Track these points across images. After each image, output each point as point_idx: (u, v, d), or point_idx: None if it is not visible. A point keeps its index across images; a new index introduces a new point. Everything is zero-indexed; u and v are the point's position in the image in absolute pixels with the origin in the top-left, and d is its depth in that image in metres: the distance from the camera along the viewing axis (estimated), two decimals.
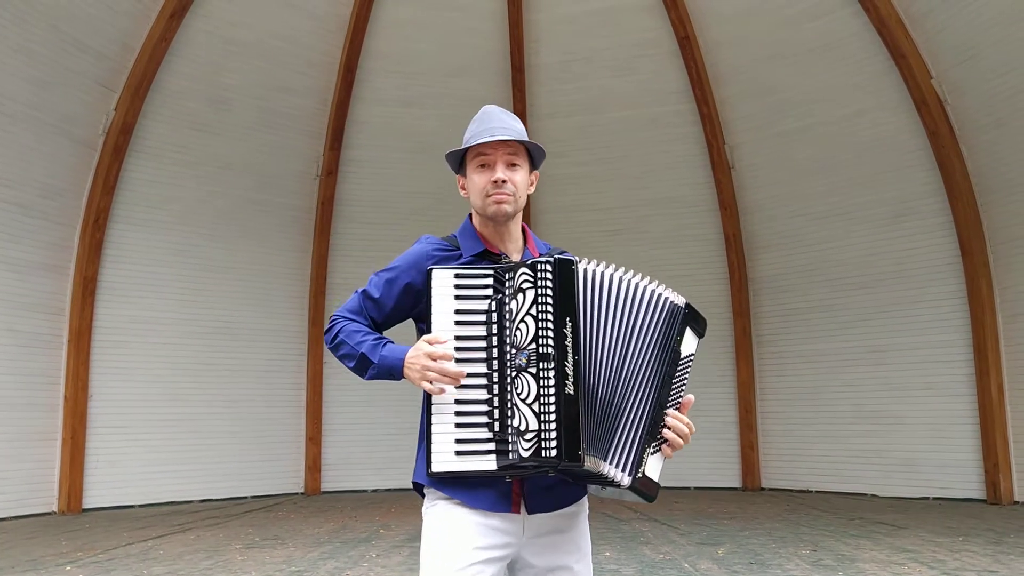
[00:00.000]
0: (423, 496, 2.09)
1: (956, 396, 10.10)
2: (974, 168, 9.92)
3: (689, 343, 1.99)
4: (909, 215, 10.61)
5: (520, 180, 2.15)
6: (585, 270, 1.94)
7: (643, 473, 1.90)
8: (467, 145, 2.16)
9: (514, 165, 2.14)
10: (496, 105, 2.25)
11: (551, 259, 1.89)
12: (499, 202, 2.11)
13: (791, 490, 11.26)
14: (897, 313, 10.67)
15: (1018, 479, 9.51)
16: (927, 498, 10.11)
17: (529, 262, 1.90)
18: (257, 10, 11.05)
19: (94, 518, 9.56)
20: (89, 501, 10.16)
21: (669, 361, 1.96)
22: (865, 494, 10.63)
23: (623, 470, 1.89)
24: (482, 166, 2.14)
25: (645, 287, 1.98)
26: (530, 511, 2.00)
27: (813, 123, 11.21)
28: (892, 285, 10.73)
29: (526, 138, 2.17)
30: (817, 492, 11.04)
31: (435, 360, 1.89)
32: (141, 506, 10.47)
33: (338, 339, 2.12)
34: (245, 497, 11.38)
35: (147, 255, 10.94)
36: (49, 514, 9.86)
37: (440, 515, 2.00)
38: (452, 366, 1.89)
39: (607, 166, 12.27)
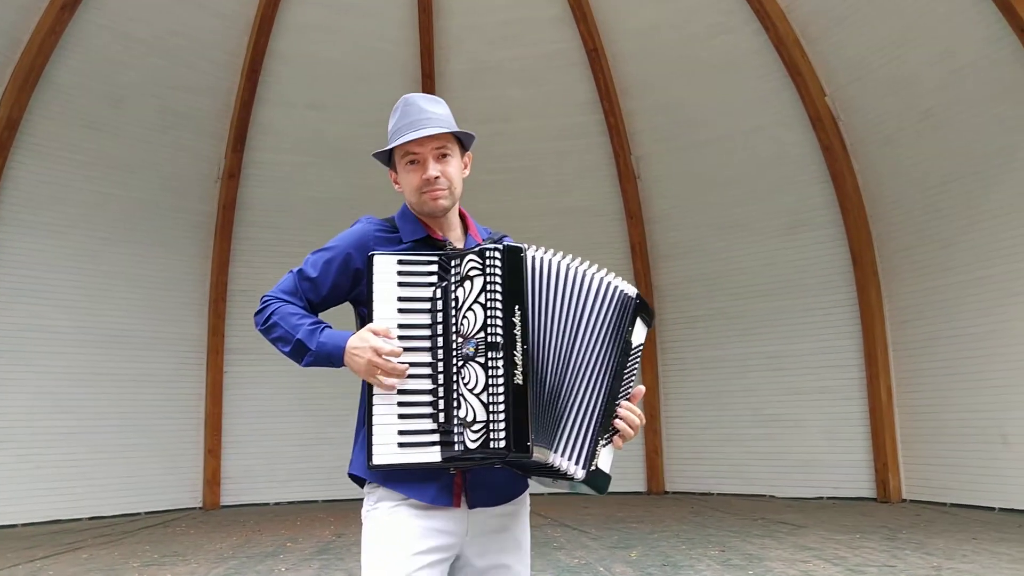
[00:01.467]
0: (361, 488, 2.02)
1: (848, 399, 10.58)
2: (864, 182, 10.44)
3: (639, 333, 1.99)
4: (804, 226, 11.08)
5: (453, 171, 2.09)
6: (534, 257, 1.91)
7: (596, 465, 1.89)
8: (392, 145, 2.09)
9: (445, 156, 2.08)
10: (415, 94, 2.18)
11: (500, 247, 1.85)
12: (435, 198, 2.05)
13: (694, 493, 11.54)
14: (793, 320, 11.11)
15: (906, 478, 10.02)
16: (822, 497, 10.53)
17: (477, 248, 1.85)
18: (156, 5, 10.60)
19: None
20: None
21: (620, 351, 1.95)
22: (764, 495, 10.99)
23: (576, 463, 1.87)
24: (412, 163, 2.07)
25: (595, 276, 1.96)
26: (472, 505, 1.95)
27: (715, 136, 11.57)
28: (788, 293, 11.17)
29: (453, 126, 2.10)
30: (719, 494, 11.35)
31: (381, 356, 1.82)
32: (24, 525, 9.83)
33: (271, 321, 2.00)
34: (139, 513, 10.84)
35: (35, 259, 10.30)
36: None
37: (380, 520, 1.93)
38: (398, 360, 1.83)
39: (518, 175, 12.32)
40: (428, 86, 11.97)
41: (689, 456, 11.89)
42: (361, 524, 2.00)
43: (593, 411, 1.91)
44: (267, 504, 11.73)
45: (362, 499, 2.02)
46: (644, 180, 12.30)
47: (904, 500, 9.98)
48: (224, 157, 11.83)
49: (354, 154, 11.33)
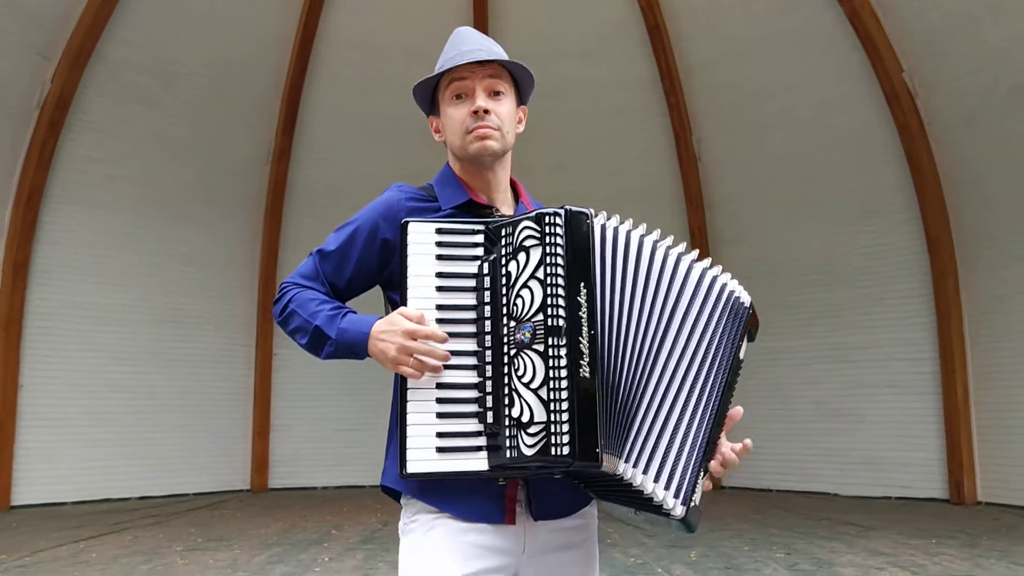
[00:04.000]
0: (398, 501, 1.70)
1: (920, 395, 9.99)
2: (943, 164, 9.81)
3: (744, 349, 1.65)
4: (876, 211, 10.48)
5: (506, 112, 1.74)
6: (604, 226, 1.58)
7: (696, 501, 1.54)
8: (439, 71, 1.75)
9: (497, 93, 1.74)
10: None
11: (561, 210, 1.51)
12: (482, 137, 1.70)
13: (752, 488, 11.07)
14: (862, 310, 10.54)
15: (982, 479, 9.43)
16: (889, 497, 9.99)
17: (533, 214, 1.50)
18: None
19: (22, 516, 8.92)
20: (18, 498, 9.49)
21: (730, 367, 1.61)
22: (827, 493, 10.49)
23: (676, 496, 1.52)
24: (458, 96, 1.73)
25: (695, 264, 1.64)
26: (536, 517, 1.61)
27: (782, 117, 11.01)
28: (857, 282, 10.59)
29: (508, 59, 1.77)
30: (778, 491, 10.88)
31: (415, 339, 1.48)
32: (74, 503, 9.83)
33: (288, 309, 1.69)
34: (187, 494, 10.79)
35: (85, 237, 10.28)
36: None
37: (420, 536, 1.60)
38: (439, 346, 1.49)
39: (571, 157, 11.92)
40: None
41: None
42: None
43: (697, 435, 1.56)
44: (314, 488, 11.61)
45: None
46: (705, 163, 11.81)
47: (979, 502, 9.39)
48: (274, 137, 11.66)
49: (405, 134, 11.08)
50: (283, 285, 1.75)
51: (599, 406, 1.45)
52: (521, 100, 1.84)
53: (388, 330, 1.52)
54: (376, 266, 1.73)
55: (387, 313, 1.66)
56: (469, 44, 1.74)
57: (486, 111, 1.70)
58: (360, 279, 1.74)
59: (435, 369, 1.48)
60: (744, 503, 9.81)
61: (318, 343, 1.64)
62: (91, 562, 6.26)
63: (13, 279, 9.52)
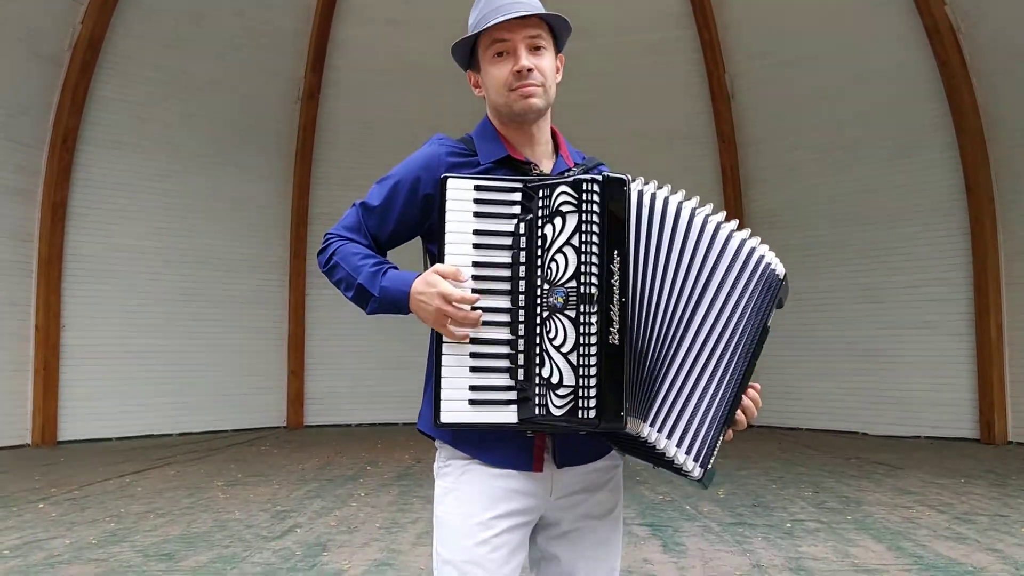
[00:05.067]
0: (433, 440, 1.76)
1: (954, 335, 9.93)
2: (984, 101, 9.56)
3: (771, 316, 1.66)
4: (913, 149, 10.27)
5: (548, 66, 1.74)
6: (641, 192, 1.57)
7: (711, 464, 1.58)
8: (478, 30, 1.73)
9: (538, 48, 1.73)
10: None
11: (599, 177, 1.51)
12: (527, 96, 1.70)
13: (780, 427, 11.14)
14: (897, 251, 10.41)
15: (1013, 419, 9.41)
16: (919, 437, 10.01)
17: (571, 179, 1.51)
18: None
19: (69, 451, 9.26)
20: (64, 434, 9.85)
21: (759, 337, 1.62)
22: (856, 432, 10.54)
23: (695, 458, 1.56)
24: (499, 55, 1.72)
25: (734, 233, 1.62)
26: (559, 464, 1.68)
27: (818, 52, 10.75)
28: (893, 222, 10.44)
29: (545, 11, 1.74)
30: (808, 430, 10.93)
31: (451, 303, 1.53)
32: (118, 439, 10.17)
33: (332, 261, 1.74)
34: (226, 431, 11.11)
35: (119, 179, 10.41)
36: (23, 446, 9.55)
37: (453, 479, 1.68)
38: (473, 312, 1.54)
39: (601, 94, 11.75)
40: None
41: (777, 390, 11.42)
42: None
43: (720, 402, 1.58)
44: (349, 425, 11.88)
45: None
46: (738, 100, 11.59)
47: (1010, 442, 9.39)
48: (303, 77, 11.62)
49: (435, 72, 10.97)
50: (327, 236, 1.79)
51: (626, 372, 1.50)
52: (558, 49, 1.83)
53: (425, 291, 1.56)
54: (418, 219, 1.76)
55: (425, 264, 1.71)
56: (501, 2, 1.71)
57: (530, 70, 1.70)
58: (402, 232, 1.78)
59: (466, 336, 1.53)
60: (772, 442, 9.89)
61: (362, 298, 1.68)
62: (137, 495, 6.51)
63: (52, 221, 9.70)
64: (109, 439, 10.12)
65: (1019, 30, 8.99)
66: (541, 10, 1.73)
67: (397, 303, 1.63)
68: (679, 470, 1.58)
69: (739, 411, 1.63)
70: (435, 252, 1.65)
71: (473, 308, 1.53)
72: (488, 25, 1.70)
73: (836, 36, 10.54)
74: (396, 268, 1.69)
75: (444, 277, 1.54)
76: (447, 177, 1.57)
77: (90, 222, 10.17)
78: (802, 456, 8.66)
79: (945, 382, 9.96)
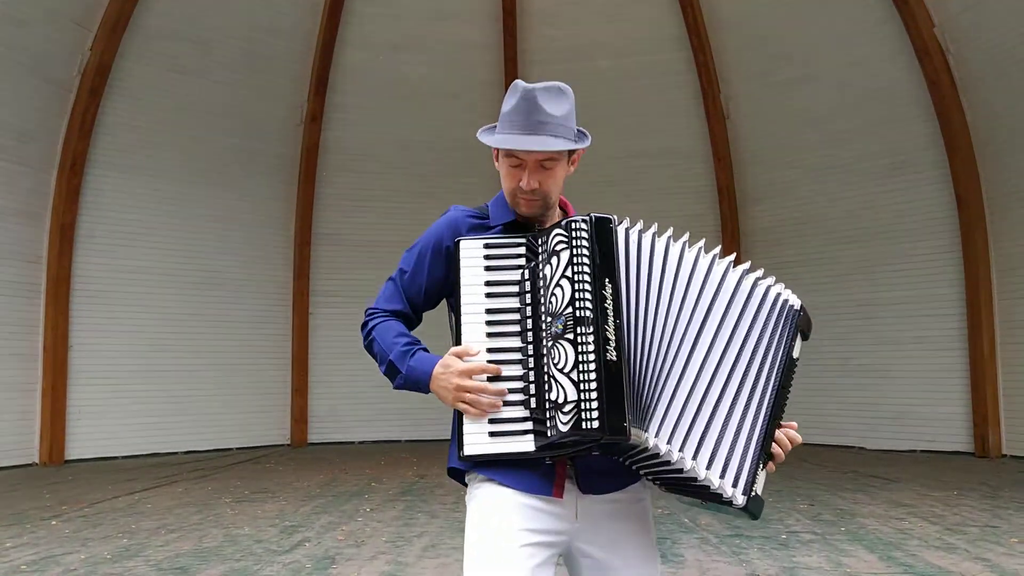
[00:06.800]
0: (464, 484, 1.90)
1: (947, 350, 10.09)
2: (974, 119, 9.77)
3: (798, 348, 1.80)
4: (905, 167, 10.48)
5: (554, 181, 1.89)
6: (628, 230, 1.73)
7: (757, 491, 1.70)
8: (495, 145, 1.88)
9: (550, 161, 1.86)
10: (524, 82, 1.90)
11: (587, 216, 1.70)
12: (529, 206, 1.89)
13: None
14: (890, 267, 10.60)
15: (1007, 432, 9.55)
16: (915, 451, 10.15)
17: (563, 222, 1.70)
18: None
19: (77, 470, 9.39)
20: (71, 452, 9.99)
21: (782, 364, 1.76)
22: (853, 447, 10.68)
23: (720, 476, 1.67)
24: (513, 166, 1.88)
25: (740, 272, 1.78)
26: (583, 491, 1.80)
27: (811, 73, 10.98)
28: (886, 238, 10.64)
29: (570, 131, 1.87)
30: (805, 445, 11.01)
31: (470, 377, 1.70)
32: (124, 457, 10.31)
33: (371, 337, 1.95)
34: (230, 448, 11.24)
35: (126, 202, 10.62)
36: (30, 465, 9.69)
37: (484, 498, 1.80)
38: (492, 384, 1.70)
39: (599, 115, 11.96)
40: (509, 23, 11.67)
41: None
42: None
43: (742, 422, 1.71)
44: (352, 443, 12.01)
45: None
46: (733, 120, 11.82)
47: (1004, 456, 9.53)
48: (307, 100, 11.85)
49: (436, 96, 11.22)
50: (368, 311, 1.98)
51: (626, 385, 1.63)
52: (573, 151, 1.94)
53: (444, 373, 1.74)
54: (444, 273, 1.94)
55: (449, 319, 1.87)
56: (533, 115, 1.83)
57: (533, 190, 1.86)
58: (434, 291, 1.96)
59: (492, 406, 1.70)
60: None
61: (392, 373, 1.88)
62: (147, 512, 6.65)
63: (60, 243, 9.88)
64: (116, 458, 10.26)
65: (1005, 51, 9.22)
66: (558, 146, 1.84)
67: (419, 383, 1.81)
68: (719, 497, 1.68)
69: (774, 443, 1.73)
70: (454, 304, 1.82)
71: (491, 361, 1.70)
72: (502, 147, 1.86)
73: (828, 58, 10.78)
74: (426, 350, 1.87)
75: (459, 357, 1.72)
76: (459, 240, 1.78)
77: (98, 244, 10.35)
78: (800, 470, 8.79)
79: (939, 396, 10.11)
